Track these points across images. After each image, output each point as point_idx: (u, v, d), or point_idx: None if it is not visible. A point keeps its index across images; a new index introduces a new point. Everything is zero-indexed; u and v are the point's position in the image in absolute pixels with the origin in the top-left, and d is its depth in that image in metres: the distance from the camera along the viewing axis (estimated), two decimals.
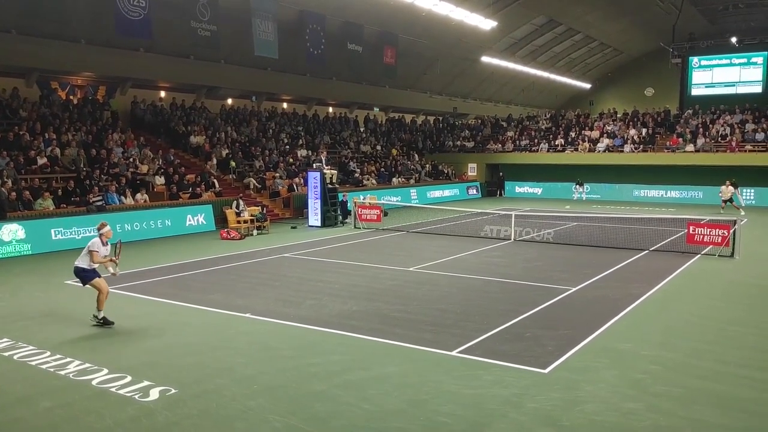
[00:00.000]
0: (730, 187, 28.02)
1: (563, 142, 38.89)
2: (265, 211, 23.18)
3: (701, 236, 17.33)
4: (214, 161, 26.99)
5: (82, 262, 10.00)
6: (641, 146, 36.10)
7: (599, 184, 36.58)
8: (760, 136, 33.54)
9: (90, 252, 9.91)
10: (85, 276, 10.01)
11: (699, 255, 16.80)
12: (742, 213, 26.64)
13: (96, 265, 10.02)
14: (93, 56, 25.23)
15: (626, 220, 23.73)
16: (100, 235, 10.12)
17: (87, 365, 8.26)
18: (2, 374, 8.07)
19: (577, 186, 36.36)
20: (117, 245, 10.49)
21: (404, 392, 7.38)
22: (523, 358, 8.51)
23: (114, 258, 10.21)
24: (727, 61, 41.01)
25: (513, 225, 20.07)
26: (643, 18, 44.08)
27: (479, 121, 47.42)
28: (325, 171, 24.37)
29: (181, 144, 27.94)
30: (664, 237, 19.99)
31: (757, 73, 39.83)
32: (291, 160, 30.49)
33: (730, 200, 27.94)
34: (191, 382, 7.70)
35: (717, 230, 17.12)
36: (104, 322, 10.05)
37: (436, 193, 36.24)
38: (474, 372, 8.03)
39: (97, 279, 10.05)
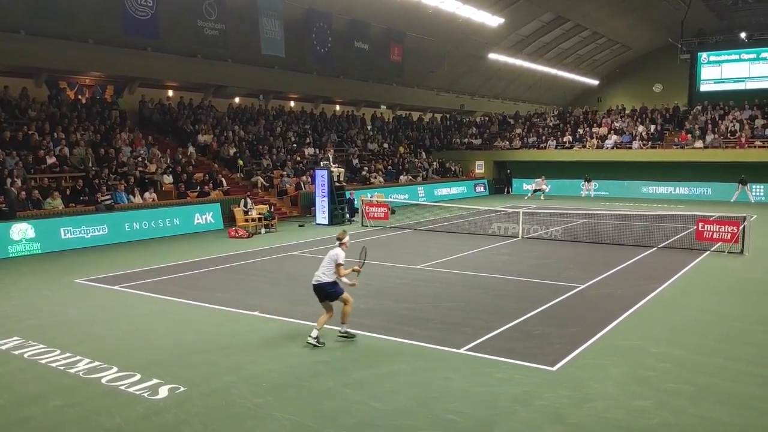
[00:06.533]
0: (541, 178, 32.80)
1: (571, 139, 38.73)
2: (272, 210, 23.23)
3: (710, 233, 17.24)
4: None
5: (327, 275, 8.99)
6: (650, 143, 35.90)
7: (607, 181, 36.42)
8: None
9: (337, 265, 8.95)
10: (334, 291, 9.04)
11: (708, 252, 16.71)
12: (536, 198, 31.39)
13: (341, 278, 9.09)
14: (101, 56, 25.31)
15: (635, 216, 23.61)
16: (341, 245, 9.12)
17: (96, 363, 8.30)
18: (13, 373, 8.13)
19: (586, 183, 36.22)
20: (362, 251, 9.65)
21: (413, 390, 7.38)
22: (531, 355, 8.49)
23: (358, 267, 9.32)
24: (737, 57, 40.73)
25: (521, 222, 20.01)
26: (651, 14, 43.80)
27: (486, 118, 47.28)
28: (332, 169, 24.38)
29: (189, 143, 27.98)
30: (673, 234, 19.87)
31: (766, 69, 39.55)
32: (298, 158, 30.53)
33: (540, 191, 32.52)
34: (200, 380, 7.73)
35: (726, 227, 17.01)
36: (348, 335, 9.29)
37: (444, 190, 36.19)
38: (483, 370, 8.02)
39: (345, 292, 9.19)
